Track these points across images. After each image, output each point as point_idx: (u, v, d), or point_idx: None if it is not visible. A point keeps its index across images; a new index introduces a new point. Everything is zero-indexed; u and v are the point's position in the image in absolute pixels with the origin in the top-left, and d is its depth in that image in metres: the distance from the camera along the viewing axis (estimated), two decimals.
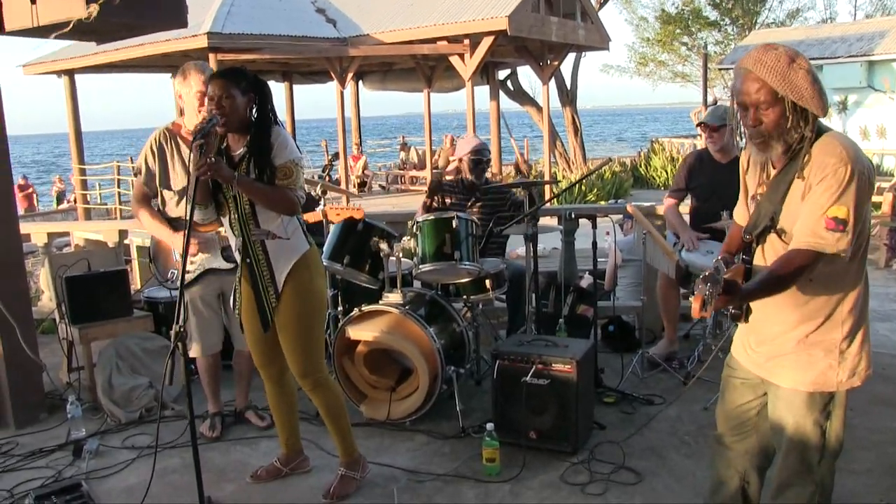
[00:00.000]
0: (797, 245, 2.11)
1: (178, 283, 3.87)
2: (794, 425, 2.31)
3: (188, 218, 2.80)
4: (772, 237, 2.24)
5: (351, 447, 3.41)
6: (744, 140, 2.33)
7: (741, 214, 2.50)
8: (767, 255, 2.29)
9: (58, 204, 21.90)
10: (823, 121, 2.20)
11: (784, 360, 2.30)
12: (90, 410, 4.41)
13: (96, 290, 4.51)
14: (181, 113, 3.88)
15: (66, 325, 4.55)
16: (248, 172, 3.06)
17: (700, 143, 17.60)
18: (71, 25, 3.42)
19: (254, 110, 3.08)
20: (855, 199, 2.05)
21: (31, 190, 21.54)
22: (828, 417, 2.30)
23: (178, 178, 3.82)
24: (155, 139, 3.84)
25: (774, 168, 2.25)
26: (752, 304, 2.34)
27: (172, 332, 2.57)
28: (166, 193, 3.85)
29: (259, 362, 3.42)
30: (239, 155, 3.12)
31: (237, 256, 3.24)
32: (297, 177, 3.10)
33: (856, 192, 2.05)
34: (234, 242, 3.23)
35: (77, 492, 3.36)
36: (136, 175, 3.91)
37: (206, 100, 3.08)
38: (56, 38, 3.77)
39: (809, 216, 2.09)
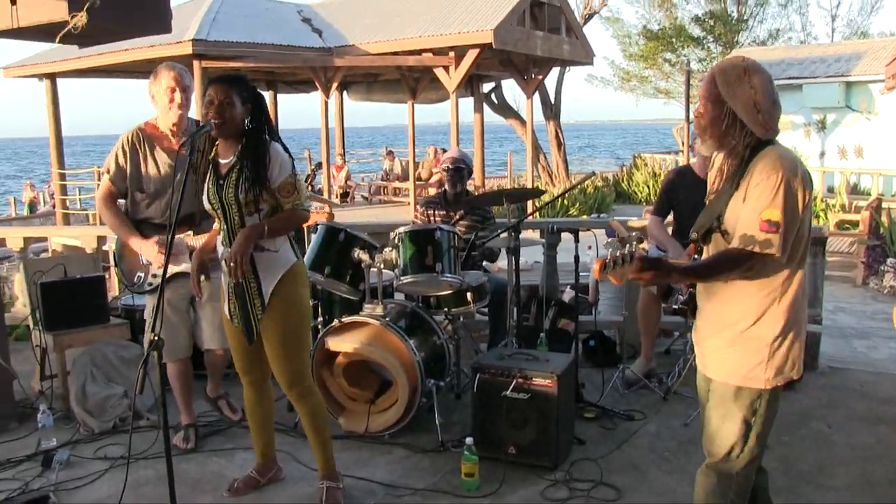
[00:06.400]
0: (734, 244, 2.29)
1: (151, 290, 3.83)
2: (721, 416, 2.43)
3: (169, 238, 2.72)
4: (717, 237, 2.40)
5: (331, 458, 3.38)
6: None
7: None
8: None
9: (30, 212, 21.33)
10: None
11: (719, 354, 2.44)
12: (62, 420, 4.33)
13: (72, 297, 4.44)
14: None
15: (41, 331, 4.47)
16: (238, 181, 3.04)
17: (682, 160, 17.75)
18: (59, 37, 3.36)
19: (248, 120, 3.09)
20: (784, 203, 2.20)
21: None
22: (754, 414, 2.40)
23: (151, 180, 3.77)
24: (127, 139, 3.79)
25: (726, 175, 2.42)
26: (700, 303, 2.52)
27: (146, 341, 2.52)
28: (138, 195, 3.80)
29: (242, 368, 3.38)
30: (229, 164, 3.10)
31: (225, 267, 3.18)
32: (301, 191, 3.14)
33: (785, 196, 2.20)
34: (222, 252, 3.18)
35: None
36: (104, 174, 3.85)
37: (206, 103, 3.04)
38: (38, 41, 3.72)
39: (746, 219, 2.26)
